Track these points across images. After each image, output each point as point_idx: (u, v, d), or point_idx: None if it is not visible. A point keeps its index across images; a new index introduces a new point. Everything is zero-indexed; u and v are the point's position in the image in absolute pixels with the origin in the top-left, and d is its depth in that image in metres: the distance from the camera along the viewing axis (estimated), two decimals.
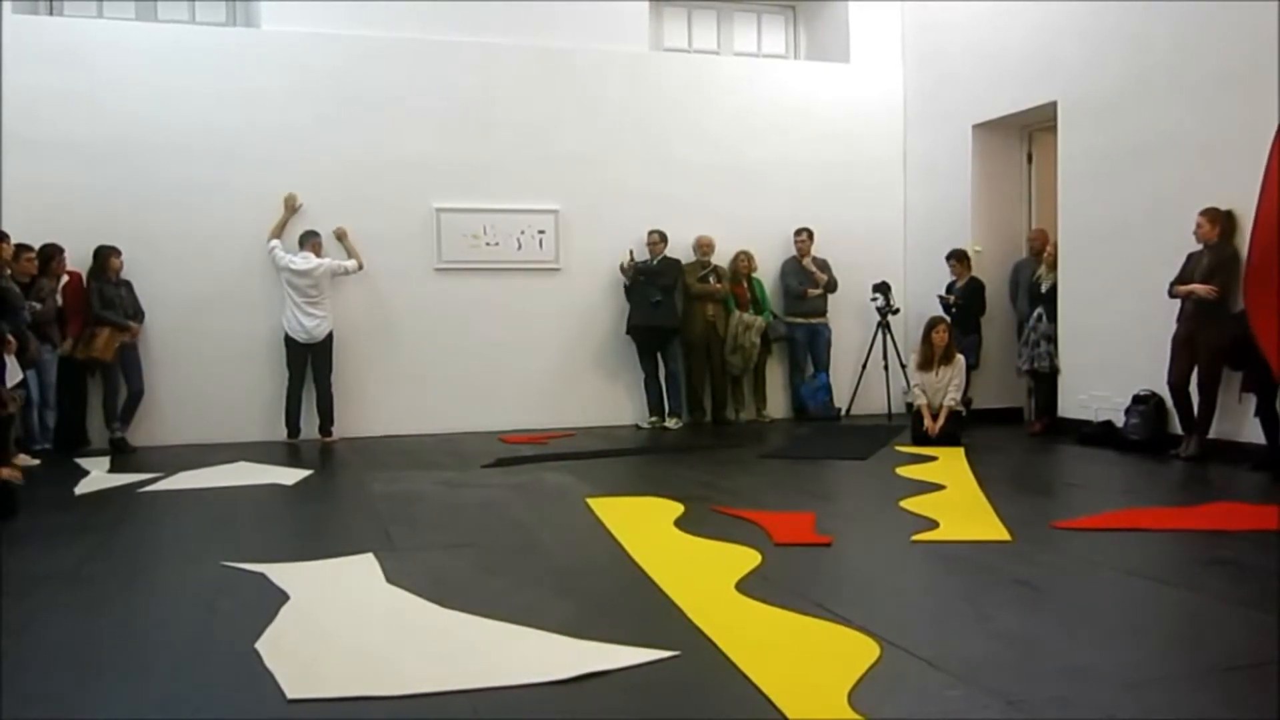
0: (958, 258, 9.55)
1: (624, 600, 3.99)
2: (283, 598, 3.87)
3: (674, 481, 6.55)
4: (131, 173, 8.51)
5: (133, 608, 3.94)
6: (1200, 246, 7.06)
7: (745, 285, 9.85)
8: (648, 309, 9.36)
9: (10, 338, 6.63)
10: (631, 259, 9.43)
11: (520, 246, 9.51)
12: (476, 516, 5.62)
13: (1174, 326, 7.19)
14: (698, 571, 4.27)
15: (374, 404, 9.08)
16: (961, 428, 8.16)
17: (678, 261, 9.56)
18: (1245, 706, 2.82)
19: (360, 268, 8.90)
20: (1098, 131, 8.14)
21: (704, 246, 9.64)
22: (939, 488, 6.12)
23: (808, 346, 10.07)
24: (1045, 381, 8.73)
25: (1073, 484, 6.76)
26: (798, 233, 10.02)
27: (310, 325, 8.60)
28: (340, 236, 8.95)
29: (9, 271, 7.30)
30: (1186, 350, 7.10)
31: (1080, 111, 8.35)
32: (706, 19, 10.90)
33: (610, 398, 9.73)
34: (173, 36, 8.85)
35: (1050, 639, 3.40)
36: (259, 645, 3.32)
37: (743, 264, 9.80)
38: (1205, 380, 7.01)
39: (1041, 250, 8.93)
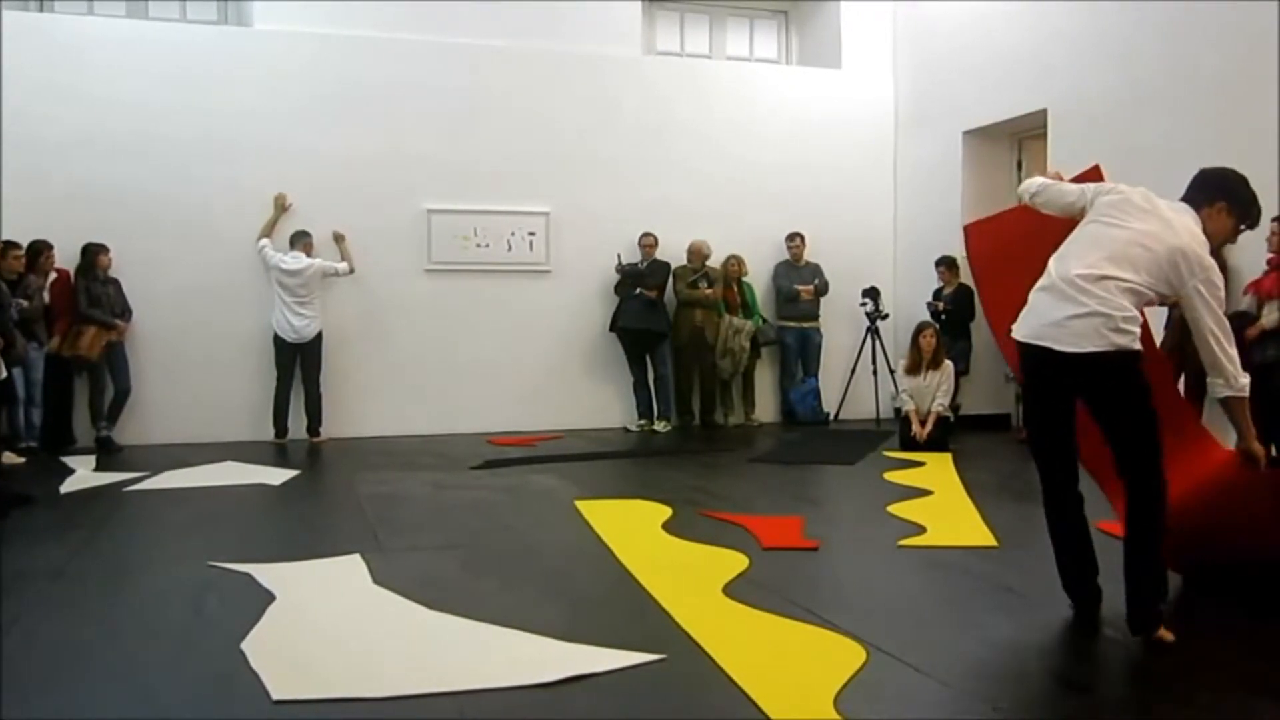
0: (946, 264, 9.57)
1: (611, 603, 4.00)
2: (269, 598, 3.86)
3: (662, 485, 6.54)
4: (120, 170, 8.46)
5: (118, 607, 3.93)
6: None
7: (735, 289, 9.86)
8: (638, 311, 9.36)
9: None
10: (619, 262, 9.43)
11: (510, 248, 9.50)
12: (464, 518, 5.61)
13: (1161, 335, 7.22)
14: (685, 575, 4.27)
15: (362, 405, 9.05)
16: (949, 434, 8.18)
17: (667, 264, 9.57)
18: (1238, 715, 2.83)
19: (351, 271, 8.88)
20: (1088, 139, 8.17)
21: (697, 253, 9.64)
22: (926, 493, 6.13)
23: (798, 351, 10.08)
24: None
25: None
26: (790, 237, 10.04)
27: (299, 325, 8.57)
28: (338, 240, 8.94)
29: None
30: (1174, 358, 7.14)
31: (1070, 119, 8.38)
32: (699, 23, 10.91)
33: (599, 400, 9.72)
34: (163, 34, 8.81)
35: (1035, 644, 3.41)
36: (245, 645, 3.31)
37: (733, 268, 9.81)
38: (1192, 387, 7.05)
39: None
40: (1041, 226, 3.88)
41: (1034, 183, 3.85)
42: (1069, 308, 3.38)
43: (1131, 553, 3.39)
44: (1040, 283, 3.54)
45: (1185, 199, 3.63)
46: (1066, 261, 3.49)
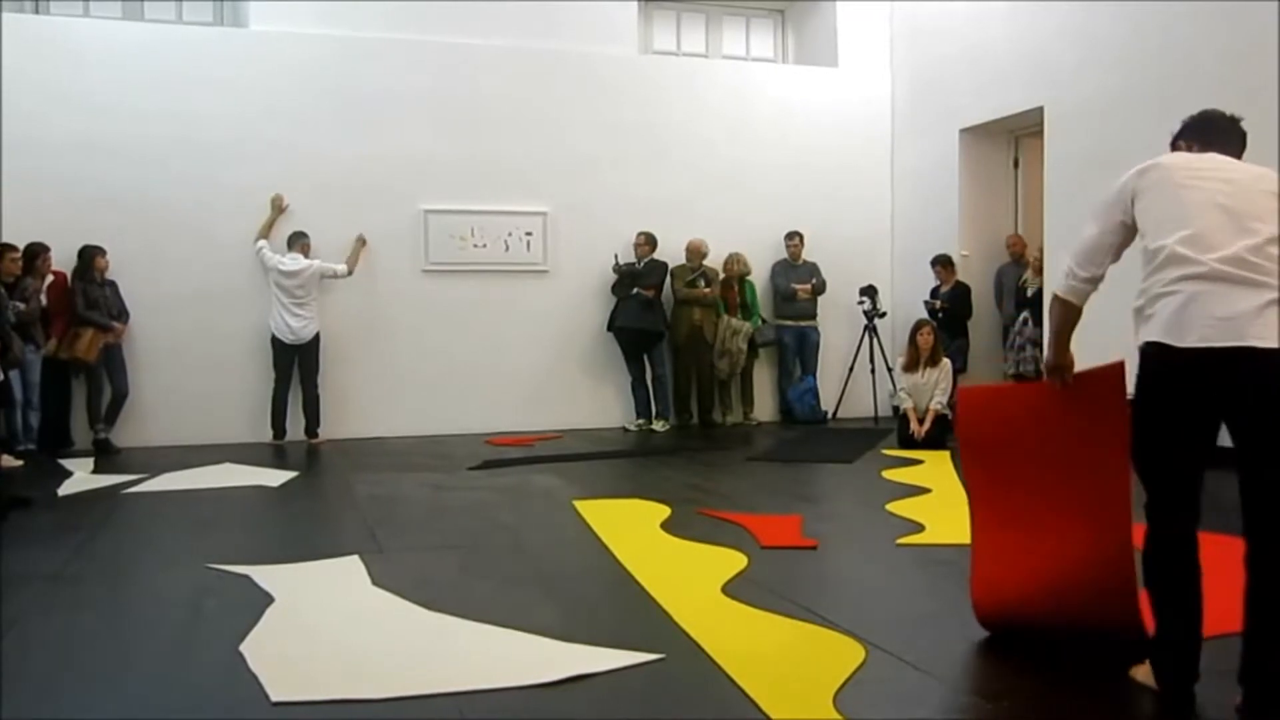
0: (943, 263, 9.58)
1: (610, 603, 4.00)
2: (268, 600, 3.86)
3: (660, 484, 6.54)
4: (117, 172, 8.46)
5: (117, 609, 3.92)
6: None
7: (736, 288, 9.86)
8: (635, 311, 9.36)
9: None
10: (616, 262, 9.43)
11: (508, 248, 9.49)
12: (463, 519, 5.61)
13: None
14: (684, 574, 4.27)
15: (360, 405, 9.04)
16: (948, 431, 8.18)
17: (664, 264, 9.56)
18: (1232, 710, 2.83)
19: (349, 274, 8.87)
20: (1084, 137, 8.18)
21: (695, 252, 9.64)
22: (925, 491, 6.13)
23: (796, 350, 10.08)
24: None
25: None
26: (789, 236, 10.04)
27: (297, 326, 8.57)
28: (360, 243, 8.94)
29: None
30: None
31: (1067, 117, 8.38)
32: (695, 22, 10.91)
33: (597, 400, 9.72)
34: (160, 36, 8.81)
35: (1033, 642, 3.41)
36: (243, 647, 3.31)
37: (731, 266, 9.80)
38: None
39: (1021, 255, 8.97)
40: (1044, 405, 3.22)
41: (1066, 264, 3.14)
42: (1260, 293, 2.55)
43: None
44: (1182, 269, 2.65)
45: (1215, 149, 2.96)
46: (1201, 233, 2.65)
